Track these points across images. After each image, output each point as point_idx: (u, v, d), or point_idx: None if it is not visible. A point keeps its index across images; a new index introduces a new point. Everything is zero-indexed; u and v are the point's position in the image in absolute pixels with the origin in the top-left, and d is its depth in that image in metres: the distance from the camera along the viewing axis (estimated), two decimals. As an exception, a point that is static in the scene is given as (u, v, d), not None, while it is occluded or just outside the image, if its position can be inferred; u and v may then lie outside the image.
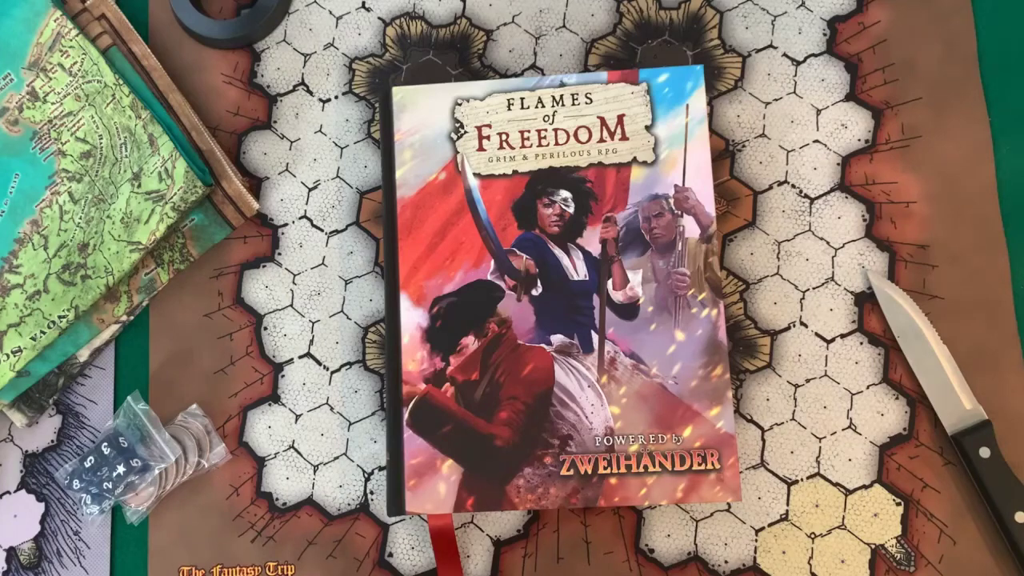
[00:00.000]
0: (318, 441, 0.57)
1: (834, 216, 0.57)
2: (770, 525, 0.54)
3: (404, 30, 0.62)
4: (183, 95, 0.60)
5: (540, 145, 0.55)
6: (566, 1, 0.61)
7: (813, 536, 0.54)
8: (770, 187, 0.58)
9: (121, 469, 0.53)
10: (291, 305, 0.59)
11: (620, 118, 0.55)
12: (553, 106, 0.56)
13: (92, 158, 0.58)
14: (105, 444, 0.55)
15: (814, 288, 0.56)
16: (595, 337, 0.53)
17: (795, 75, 0.59)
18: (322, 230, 0.59)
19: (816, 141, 0.58)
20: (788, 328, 0.56)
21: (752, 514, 0.54)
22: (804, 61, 0.59)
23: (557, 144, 0.55)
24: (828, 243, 0.57)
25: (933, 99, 0.58)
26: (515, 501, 0.51)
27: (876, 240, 0.57)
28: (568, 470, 0.51)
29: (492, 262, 0.54)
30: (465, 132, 0.56)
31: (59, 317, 0.56)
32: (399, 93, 0.56)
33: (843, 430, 0.55)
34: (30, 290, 0.57)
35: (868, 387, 0.55)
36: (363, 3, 0.62)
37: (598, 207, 0.54)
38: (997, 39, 0.58)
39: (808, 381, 0.56)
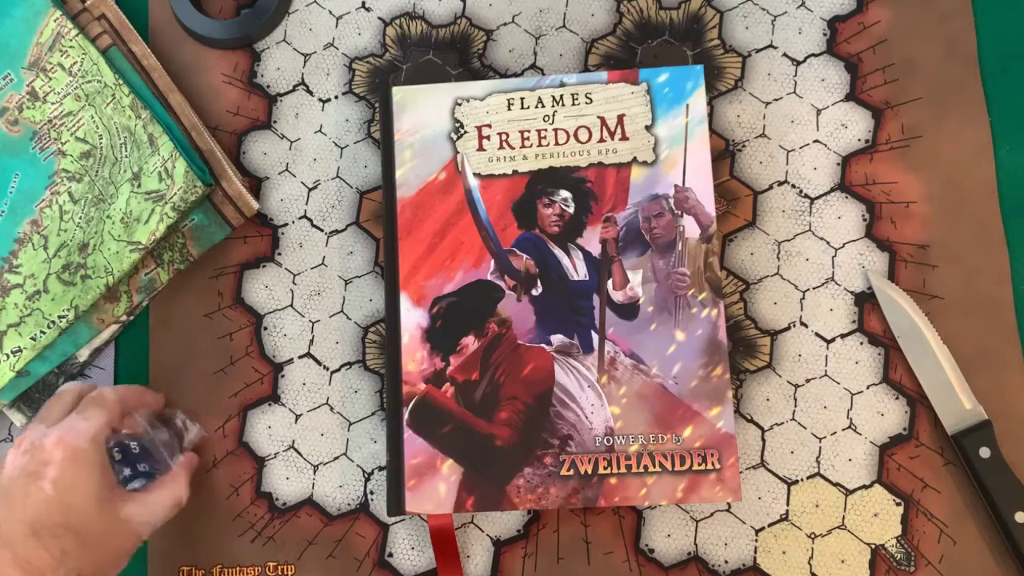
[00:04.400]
0: (318, 441, 0.57)
1: (834, 216, 0.57)
2: (770, 525, 0.54)
3: (404, 30, 0.62)
4: (183, 95, 0.60)
5: (540, 145, 0.55)
6: (566, 1, 0.61)
7: (813, 536, 0.54)
8: (770, 187, 0.58)
9: (127, 472, 0.52)
10: (291, 305, 0.59)
11: (620, 118, 0.55)
12: (553, 106, 0.56)
13: (92, 158, 0.58)
14: (116, 449, 0.53)
15: (814, 288, 0.56)
16: (595, 337, 0.53)
17: (795, 75, 0.59)
18: (322, 230, 0.59)
19: (816, 141, 0.58)
20: (788, 328, 0.56)
21: (752, 514, 0.54)
22: (804, 61, 0.59)
23: (557, 144, 0.55)
24: (828, 243, 0.57)
25: (933, 99, 0.58)
26: (515, 501, 0.51)
27: (876, 240, 0.57)
28: (568, 470, 0.51)
29: (492, 262, 0.54)
30: (465, 132, 0.56)
31: (59, 317, 0.56)
32: (399, 93, 0.56)
33: (843, 430, 0.55)
34: (30, 290, 0.57)
35: (868, 387, 0.55)
36: (363, 3, 0.62)
37: (598, 207, 0.54)
38: (997, 39, 0.58)
39: (808, 381, 0.56)
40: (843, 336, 0.56)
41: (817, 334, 0.56)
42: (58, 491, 0.46)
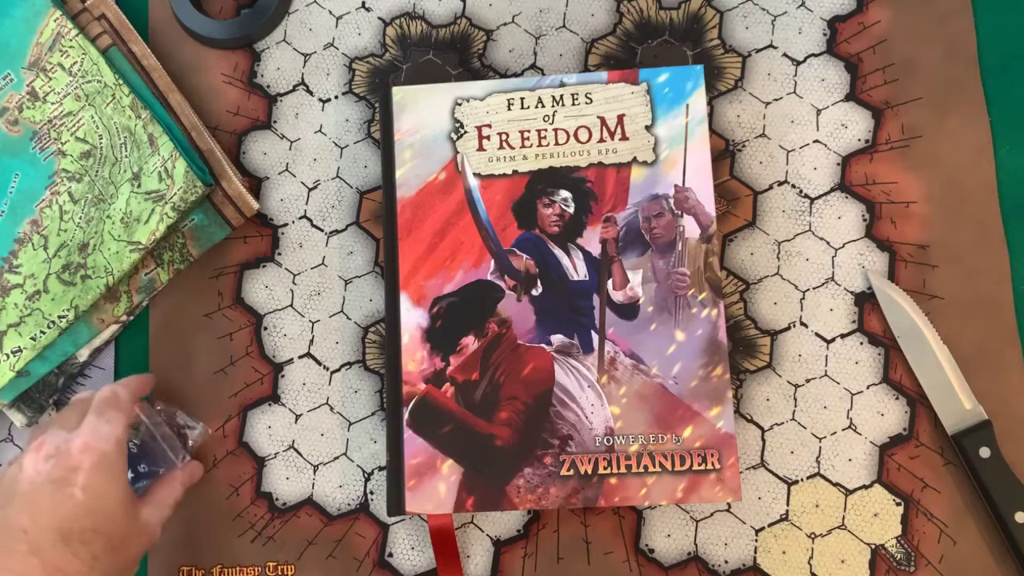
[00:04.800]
0: (318, 441, 0.57)
1: (834, 216, 0.57)
2: (770, 525, 0.54)
3: (404, 30, 0.62)
4: (183, 95, 0.60)
5: (540, 145, 0.55)
6: (566, 1, 0.61)
7: (813, 536, 0.54)
8: (770, 187, 0.58)
9: (129, 474, 0.52)
10: (291, 305, 0.59)
11: (620, 118, 0.55)
12: (553, 106, 0.56)
13: (92, 158, 0.58)
14: None
15: (814, 288, 0.56)
16: (595, 337, 0.53)
17: (795, 75, 0.59)
18: (322, 230, 0.59)
19: (816, 141, 0.58)
20: (788, 328, 0.56)
21: (752, 514, 0.54)
22: (804, 61, 0.59)
23: (557, 144, 0.55)
24: (828, 243, 0.57)
25: (933, 99, 0.58)
26: (515, 501, 0.51)
27: (876, 240, 0.57)
28: (568, 470, 0.51)
29: (492, 262, 0.54)
30: (465, 132, 0.56)
31: (59, 317, 0.56)
32: (399, 93, 0.56)
33: (843, 430, 0.55)
34: (30, 290, 0.57)
35: (868, 387, 0.55)
36: (363, 3, 0.62)
37: (598, 207, 0.54)
38: (997, 39, 0.58)
39: (808, 381, 0.56)
40: (843, 336, 0.56)
41: (817, 334, 0.56)
42: (88, 497, 0.45)
